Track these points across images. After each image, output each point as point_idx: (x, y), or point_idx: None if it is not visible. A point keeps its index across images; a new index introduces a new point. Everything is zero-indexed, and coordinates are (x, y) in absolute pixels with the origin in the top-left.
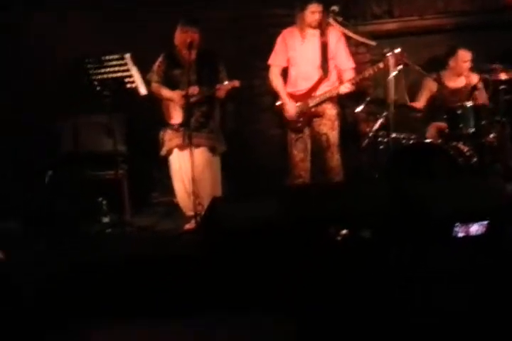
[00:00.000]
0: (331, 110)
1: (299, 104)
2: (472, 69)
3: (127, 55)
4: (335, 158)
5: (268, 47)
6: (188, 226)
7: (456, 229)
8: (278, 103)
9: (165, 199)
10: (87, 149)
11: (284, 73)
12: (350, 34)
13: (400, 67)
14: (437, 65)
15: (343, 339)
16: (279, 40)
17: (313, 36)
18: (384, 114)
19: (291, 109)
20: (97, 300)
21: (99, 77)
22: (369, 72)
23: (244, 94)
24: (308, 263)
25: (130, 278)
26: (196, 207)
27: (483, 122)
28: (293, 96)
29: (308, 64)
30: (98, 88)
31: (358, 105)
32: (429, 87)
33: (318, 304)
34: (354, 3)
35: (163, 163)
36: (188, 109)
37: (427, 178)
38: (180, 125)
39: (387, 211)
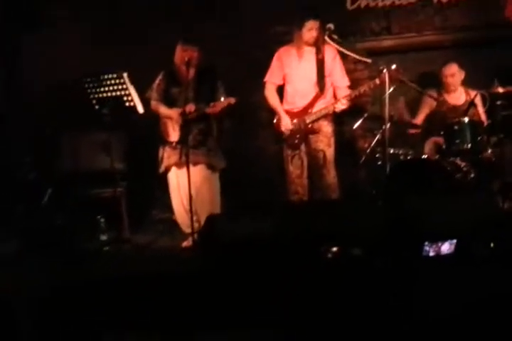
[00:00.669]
0: (327, 127)
1: (295, 120)
2: (464, 84)
3: (125, 74)
4: (331, 175)
5: (267, 64)
6: (185, 243)
7: (426, 248)
8: (275, 120)
9: (164, 216)
10: (86, 167)
11: (281, 90)
12: (346, 52)
13: (395, 84)
14: (436, 81)
15: None
16: (275, 58)
17: (309, 54)
18: (381, 130)
19: (287, 124)
20: (95, 319)
21: (98, 95)
22: (364, 88)
23: (243, 110)
24: (301, 279)
25: (128, 296)
26: (194, 224)
27: (479, 138)
28: (289, 113)
29: (305, 81)
30: (97, 107)
31: (356, 121)
32: (429, 103)
33: (309, 319)
34: (353, 20)
35: (162, 181)
36: (185, 126)
37: (425, 194)
38: (178, 142)
39: (380, 229)
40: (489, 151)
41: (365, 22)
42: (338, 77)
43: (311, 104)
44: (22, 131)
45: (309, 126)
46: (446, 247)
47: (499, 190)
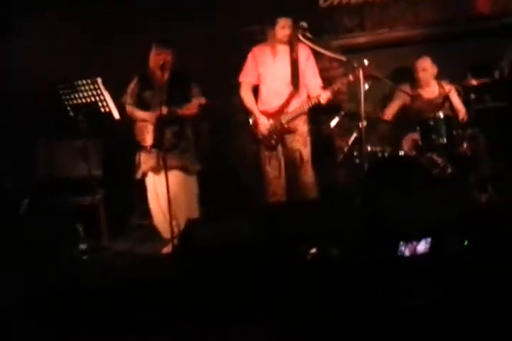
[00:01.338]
0: (302, 126)
1: (271, 121)
2: (438, 78)
3: (99, 80)
4: (308, 175)
5: (241, 64)
6: (165, 249)
7: (402, 248)
8: (251, 121)
9: (143, 222)
10: (62, 175)
11: (256, 90)
12: (320, 50)
13: (369, 80)
14: (410, 76)
15: None
16: (250, 57)
17: (283, 52)
18: (357, 128)
19: (264, 124)
20: (75, 326)
21: (73, 102)
22: (338, 85)
23: (221, 112)
24: (281, 281)
25: (107, 303)
26: (173, 229)
27: (455, 132)
28: (265, 114)
29: (279, 80)
30: (71, 113)
31: (333, 120)
32: (402, 98)
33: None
34: (326, 17)
35: (141, 186)
36: (159, 130)
37: (402, 192)
38: (152, 146)
39: (358, 228)
40: (465, 145)
41: (338, 19)
42: (310, 77)
43: (286, 104)
44: None
45: (285, 126)
46: (421, 246)
47: (475, 183)
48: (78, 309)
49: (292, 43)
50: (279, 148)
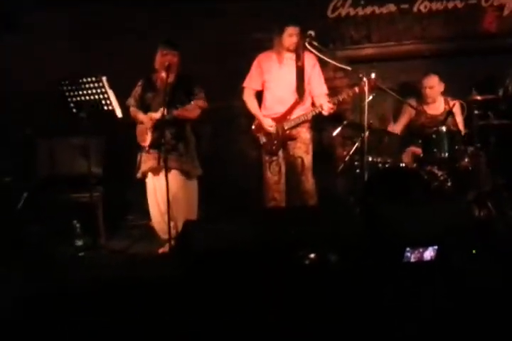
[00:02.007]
0: (305, 134)
1: (274, 127)
2: (444, 95)
3: (104, 78)
4: (309, 182)
5: (248, 70)
6: (162, 249)
7: (408, 254)
8: (253, 125)
9: (141, 222)
10: (62, 171)
11: (259, 96)
12: (326, 59)
13: (375, 92)
14: (416, 90)
15: None
16: (255, 63)
17: (289, 60)
18: (360, 138)
19: (269, 124)
20: (69, 325)
21: (76, 99)
22: (343, 96)
23: (223, 116)
24: (279, 286)
25: (103, 301)
26: (171, 230)
27: (457, 147)
28: None
29: (284, 88)
30: (74, 110)
31: (335, 129)
32: (409, 111)
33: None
34: (333, 28)
35: (140, 186)
36: (156, 131)
37: (402, 202)
38: (152, 147)
39: (357, 235)
40: (466, 160)
41: (346, 30)
42: (316, 84)
43: (290, 111)
44: None
45: (287, 132)
46: (428, 253)
47: (475, 199)
48: (72, 306)
49: (298, 51)
50: (280, 153)
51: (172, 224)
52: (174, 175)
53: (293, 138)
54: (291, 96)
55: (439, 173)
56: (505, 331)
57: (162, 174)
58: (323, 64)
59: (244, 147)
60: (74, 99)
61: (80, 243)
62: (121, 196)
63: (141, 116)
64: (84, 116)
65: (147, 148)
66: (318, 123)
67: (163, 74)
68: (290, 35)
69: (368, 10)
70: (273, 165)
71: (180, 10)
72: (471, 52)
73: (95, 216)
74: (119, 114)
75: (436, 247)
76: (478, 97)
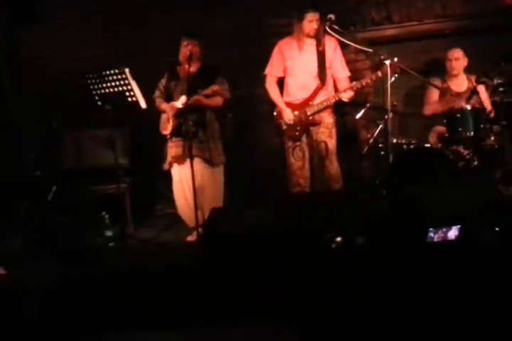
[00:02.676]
0: (328, 118)
1: (296, 112)
2: (467, 69)
3: (126, 69)
4: (334, 166)
5: (268, 57)
6: (189, 238)
7: (431, 234)
8: (275, 112)
9: (168, 211)
10: (89, 163)
11: (281, 82)
12: (347, 42)
13: (397, 74)
14: (439, 69)
15: None
16: (276, 50)
17: (310, 46)
18: (384, 120)
19: (289, 116)
20: (100, 313)
21: (100, 91)
22: (366, 80)
23: (246, 103)
24: (306, 270)
25: (133, 290)
26: (198, 218)
27: (482, 125)
28: (290, 105)
29: (306, 73)
30: (99, 103)
31: (358, 112)
32: (435, 91)
33: (317, 311)
34: (353, 10)
35: (166, 176)
36: (178, 118)
37: (428, 183)
38: (172, 135)
39: (384, 218)
40: (492, 139)
41: (366, 12)
42: (338, 68)
43: (313, 96)
44: (26, 127)
45: (310, 118)
46: (452, 233)
47: (501, 177)
48: (103, 295)
49: (319, 36)
50: (303, 139)
51: (199, 212)
52: (197, 162)
53: (316, 124)
54: (314, 82)
55: (465, 152)
56: None
57: (186, 162)
58: (344, 47)
59: (267, 134)
60: (98, 91)
61: (109, 233)
62: (148, 186)
63: (163, 105)
64: (109, 108)
65: (170, 137)
66: (341, 107)
67: (186, 64)
68: (310, 22)
69: None
70: (296, 150)
71: None
72: (492, 28)
73: (123, 206)
74: (143, 105)
75: (459, 226)
76: (502, 79)
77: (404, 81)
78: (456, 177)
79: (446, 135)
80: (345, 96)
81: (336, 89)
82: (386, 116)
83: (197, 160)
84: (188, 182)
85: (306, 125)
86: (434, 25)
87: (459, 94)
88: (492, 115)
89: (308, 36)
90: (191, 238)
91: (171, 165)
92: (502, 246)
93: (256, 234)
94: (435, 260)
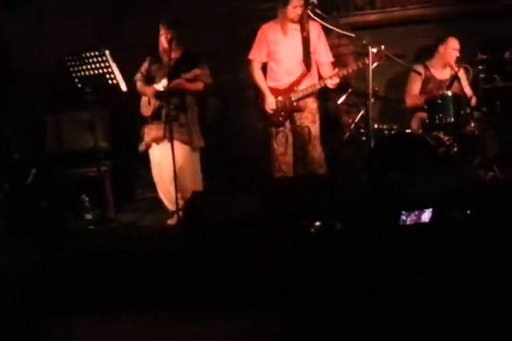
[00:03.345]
0: (312, 103)
1: (280, 98)
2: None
3: (107, 51)
4: (317, 151)
5: (252, 41)
6: (170, 221)
7: (403, 217)
8: (259, 98)
9: (149, 195)
10: (70, 146)
11: (264, 67)
12: (330, 27)
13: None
14: (422, 55)
15: (326, 331)
16: (260, 34)
17: (294, 31)
18: (365, 105)
19: (272, 103)
20: (80, 295)
21: (80, 74)
22: (352, 68)
23: (230, 88)
24: (287, 255)
25: (113, 273)
26: (178, 201)
27: (462, 112)
28: (275, 91)
29: (291, 59)
30: (79, 85)
31: (340, 97)
32: (418, 78)
33: (300, 297)
34: None
35: (147, 159)
36: (159, 102)
37: (408, 168)
38: (152, 117)
39: (364, 202)
40: (472, 125)
41: None
42: (322, 53)
43: (298, 82)
44: (7, 110)
45: (295, 103)
46: (425, 215)
47: (481, 163)
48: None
49: (303, 22)
50: (287, 124)
51: (179, 195)
52: (177, 145)
53: (301, 109)
54: (299, 68)
55: (445, 138)
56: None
57: (164, 145)
58: (327, 31)
59: (251, 119)
60: (78, 74)
61: (89, 216)
62: (129, 169)
63: (144, 88)
64: (90, 90)
65: (150, 119)
66: (324, 93)
67: (167, 48)
68: (295, 7)
69: None
70: (279, 136)
71: None
72: (476, 15)
73: (103, 190)
74: (123, 87)
75: (432, 209)
76: (483, 57)
77: (387, 67)
78: (436, 163)
79: (427, 121)
80: (331, 82)
81: (319, 75)
82: (367, 102)
83: (177, 143)
84: (167, 164)
85: (290, 110)
86: (417, 10)
87: (442, 82)
88: (473, 101)
89: (293, 21)
90: (171, 221)
91: (148, 146)
92: (477, 229)
93: (237, 219)
94: (410, 242)
